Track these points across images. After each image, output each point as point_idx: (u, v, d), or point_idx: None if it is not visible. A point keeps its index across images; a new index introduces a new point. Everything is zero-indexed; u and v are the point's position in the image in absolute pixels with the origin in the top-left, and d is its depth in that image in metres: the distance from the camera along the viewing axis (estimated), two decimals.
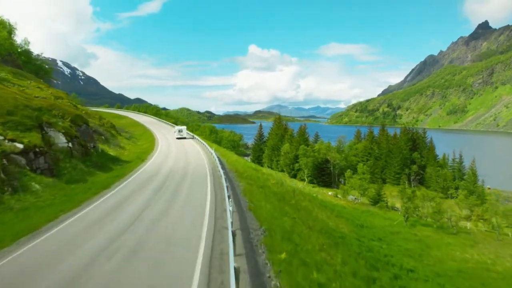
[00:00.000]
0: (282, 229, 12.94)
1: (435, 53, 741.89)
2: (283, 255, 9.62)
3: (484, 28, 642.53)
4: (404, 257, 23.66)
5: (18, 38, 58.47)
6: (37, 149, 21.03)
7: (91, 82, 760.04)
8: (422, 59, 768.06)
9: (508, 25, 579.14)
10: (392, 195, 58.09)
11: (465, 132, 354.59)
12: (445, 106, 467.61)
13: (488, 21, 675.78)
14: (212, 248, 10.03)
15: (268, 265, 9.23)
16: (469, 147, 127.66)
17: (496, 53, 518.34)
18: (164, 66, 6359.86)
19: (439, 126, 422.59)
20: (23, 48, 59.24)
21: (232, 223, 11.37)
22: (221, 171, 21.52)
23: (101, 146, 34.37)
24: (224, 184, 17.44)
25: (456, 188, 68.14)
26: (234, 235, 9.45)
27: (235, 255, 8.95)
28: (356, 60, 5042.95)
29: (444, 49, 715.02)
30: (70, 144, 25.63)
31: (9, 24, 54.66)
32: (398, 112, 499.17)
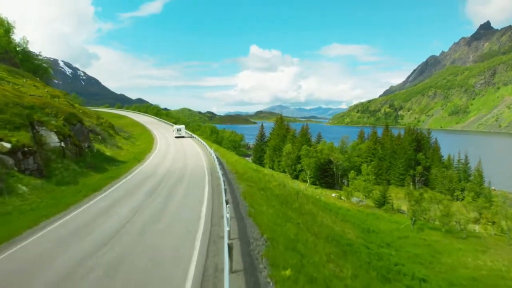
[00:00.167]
0: (286, 237, 11.64)
1: (437, 54, 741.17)
2: (288, 272, 8.32)
3: (486, 29, 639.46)
4: (415, 264, 22.35)
5: (17, 37, 57.94)
6: (26, 149, 19.98)
7: (93, 82, 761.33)
8: (424, 60, 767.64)
9: (510, 25, 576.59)
10: (398, 197, 56.68)
11: (467, 133, 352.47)
12: (447, 106, 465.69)
13: (490, 21, 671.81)
14: (205, 264, 8.70)
15: (271, 284, 7.94)
16: (472, 148, 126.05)
17: (498, 53, 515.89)
18: (165, 67, 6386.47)
19: (441, 127, 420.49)
20: (22, 47, 58.55)
21: (229, 232, 10.10)
22: (220, 173, 20.25)
23: (97, 146, 33.25)
24: (223, 187, 16.15)
25: (462, 190, 66.68)
26: (230, 248, 8.15)
27: (231, 272, 7.70)
28: (357, 60, 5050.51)
29: (446, 49, 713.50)
30: (62, 144, 24.59)
31: (7, 22, 53.95)
32: (400, 112, 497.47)
